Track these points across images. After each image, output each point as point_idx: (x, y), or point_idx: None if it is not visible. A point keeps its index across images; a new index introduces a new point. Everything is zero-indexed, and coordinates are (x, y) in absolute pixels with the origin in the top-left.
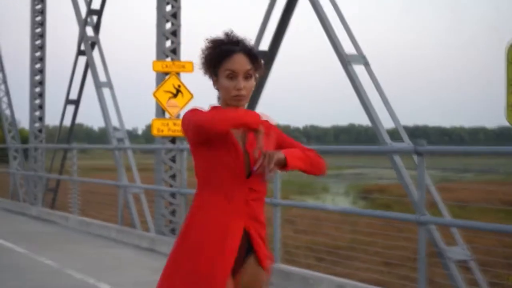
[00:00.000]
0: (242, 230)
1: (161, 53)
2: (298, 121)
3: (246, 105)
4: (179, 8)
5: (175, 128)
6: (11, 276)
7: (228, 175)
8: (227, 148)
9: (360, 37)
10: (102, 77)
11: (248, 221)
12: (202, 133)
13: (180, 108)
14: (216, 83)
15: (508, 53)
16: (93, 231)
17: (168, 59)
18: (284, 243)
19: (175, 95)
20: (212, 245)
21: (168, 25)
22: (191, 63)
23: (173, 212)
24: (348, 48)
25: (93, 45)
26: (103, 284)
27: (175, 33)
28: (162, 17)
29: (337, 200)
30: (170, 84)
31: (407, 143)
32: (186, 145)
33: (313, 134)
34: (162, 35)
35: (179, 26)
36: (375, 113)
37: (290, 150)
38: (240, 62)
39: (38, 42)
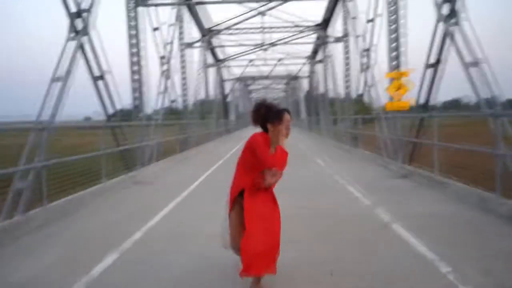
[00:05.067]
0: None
1: (390, 69)
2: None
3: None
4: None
5: (398, 106)
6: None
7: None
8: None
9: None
10: None
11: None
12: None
13: (401, 96)
14: (272, 127)
15: None
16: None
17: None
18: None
19: (398, 89)
20: None
21: (393, 53)
22: (407, 71)
23: None
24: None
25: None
26: None
27: (397, 56)
28: (391, 50)
29: None
30: (396, 84)
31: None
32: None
33: None
34: (390, 58)
35: (399, 52)
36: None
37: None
38: (289, 118)
39: None
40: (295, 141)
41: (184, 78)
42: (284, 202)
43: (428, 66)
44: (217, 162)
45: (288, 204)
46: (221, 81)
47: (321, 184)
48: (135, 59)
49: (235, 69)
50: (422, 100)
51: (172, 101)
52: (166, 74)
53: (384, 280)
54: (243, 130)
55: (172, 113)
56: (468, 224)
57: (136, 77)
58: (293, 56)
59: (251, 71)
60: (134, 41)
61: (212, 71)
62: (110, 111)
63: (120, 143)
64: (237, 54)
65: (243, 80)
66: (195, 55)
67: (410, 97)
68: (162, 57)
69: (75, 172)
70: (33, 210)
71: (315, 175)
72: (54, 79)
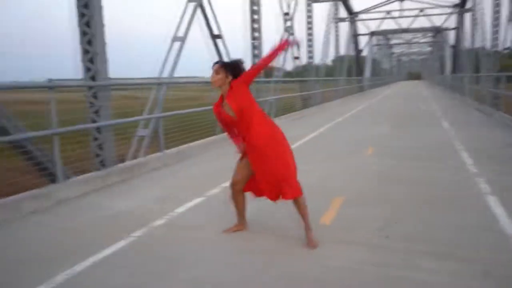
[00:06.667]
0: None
1: None
2: None
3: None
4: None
5: None
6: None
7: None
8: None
9: None
10: None
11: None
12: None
13: None
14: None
15: None
16: None
17: None
18: None
19: None
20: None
21: None
22: None
23: None
24: None
25: None
26: None
27: None
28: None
29: None
30: None
31: None
32: None
33: None
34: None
35: None
36: None
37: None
38: (213, 69)
39: None
40: (430, 101)
41: (310, 34)
42: (382, 161)
43: None
44: (329, 122)
45: (384, 163)
46: (354, 36)
47: (433, 147)
48: (256, 16)
49: (370, 23)
50: None
51: (296, 58)
52: (289, 31)
53: (442, 249)
54: (379, 88)
55: (298, 71)
56: None
57: (256, 34)
58: (438, 5)
59: (389, 25)
60: None
61: (343, 26)
62: None
63: None
64: (372, 7)
65: (380, 35)
66: (324, 10)
67: None
68: (286, 14)
69: (193, 123)
70: (152, 155)
71: (432, 138)
72: (175, 39)
